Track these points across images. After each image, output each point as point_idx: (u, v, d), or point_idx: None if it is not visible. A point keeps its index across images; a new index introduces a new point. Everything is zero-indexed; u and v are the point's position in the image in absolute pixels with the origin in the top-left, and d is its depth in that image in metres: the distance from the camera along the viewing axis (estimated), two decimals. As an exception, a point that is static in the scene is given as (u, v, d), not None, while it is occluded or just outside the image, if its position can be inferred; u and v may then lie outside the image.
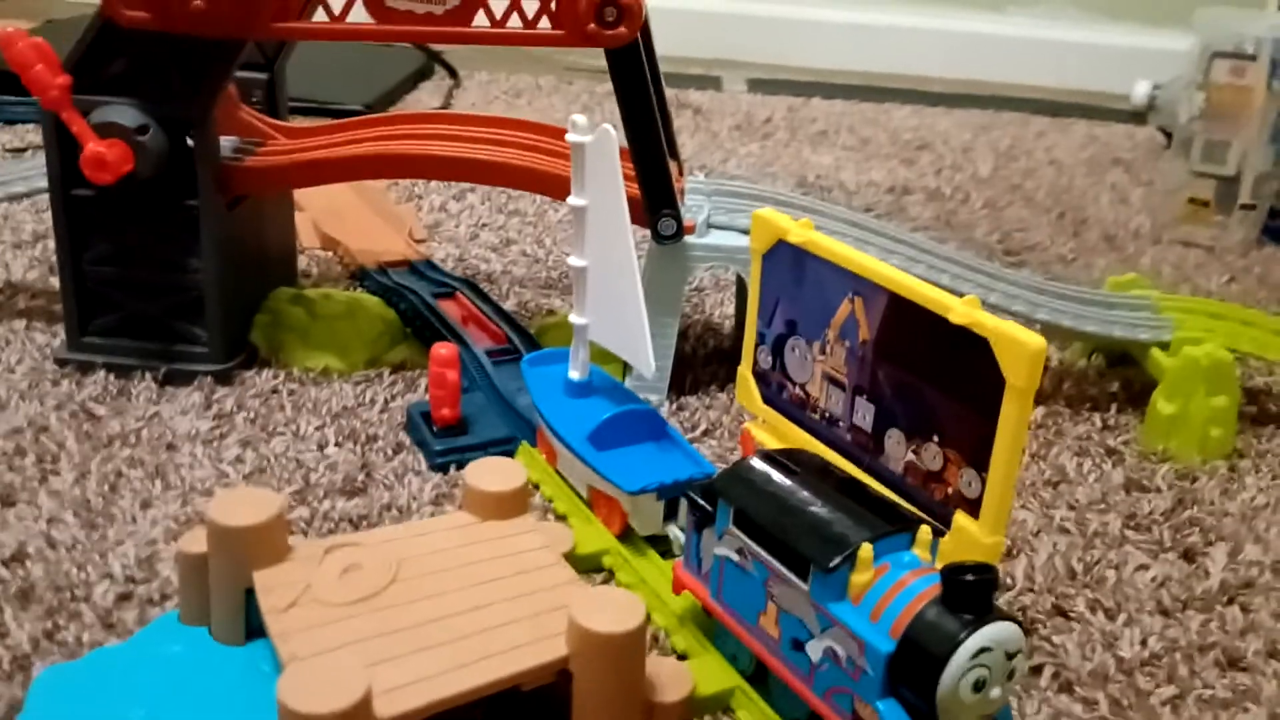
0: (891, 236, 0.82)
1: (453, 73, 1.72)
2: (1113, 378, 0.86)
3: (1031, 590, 0.61)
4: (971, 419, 0.48)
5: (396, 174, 0.79)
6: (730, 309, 0.95)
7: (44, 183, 0.76)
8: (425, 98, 1.61)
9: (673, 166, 0.75)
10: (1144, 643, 0.57)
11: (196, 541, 0.51)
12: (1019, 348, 0.46)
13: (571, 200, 0.64)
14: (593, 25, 0.66)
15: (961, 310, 0.48)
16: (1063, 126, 1.70)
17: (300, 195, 0.98)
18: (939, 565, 0.44)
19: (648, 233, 0.75)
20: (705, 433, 0.75)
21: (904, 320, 0.52)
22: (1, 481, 0.64)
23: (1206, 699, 0.54)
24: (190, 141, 0.73)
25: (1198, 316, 0.82)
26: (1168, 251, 1.19)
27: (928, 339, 0.50)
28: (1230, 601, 0.61)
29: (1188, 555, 0.65)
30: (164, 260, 0.75)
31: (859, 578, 0.44)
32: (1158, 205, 1.31)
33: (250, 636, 0.51)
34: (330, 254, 1.01)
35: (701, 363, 0.85)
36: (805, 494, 0.48)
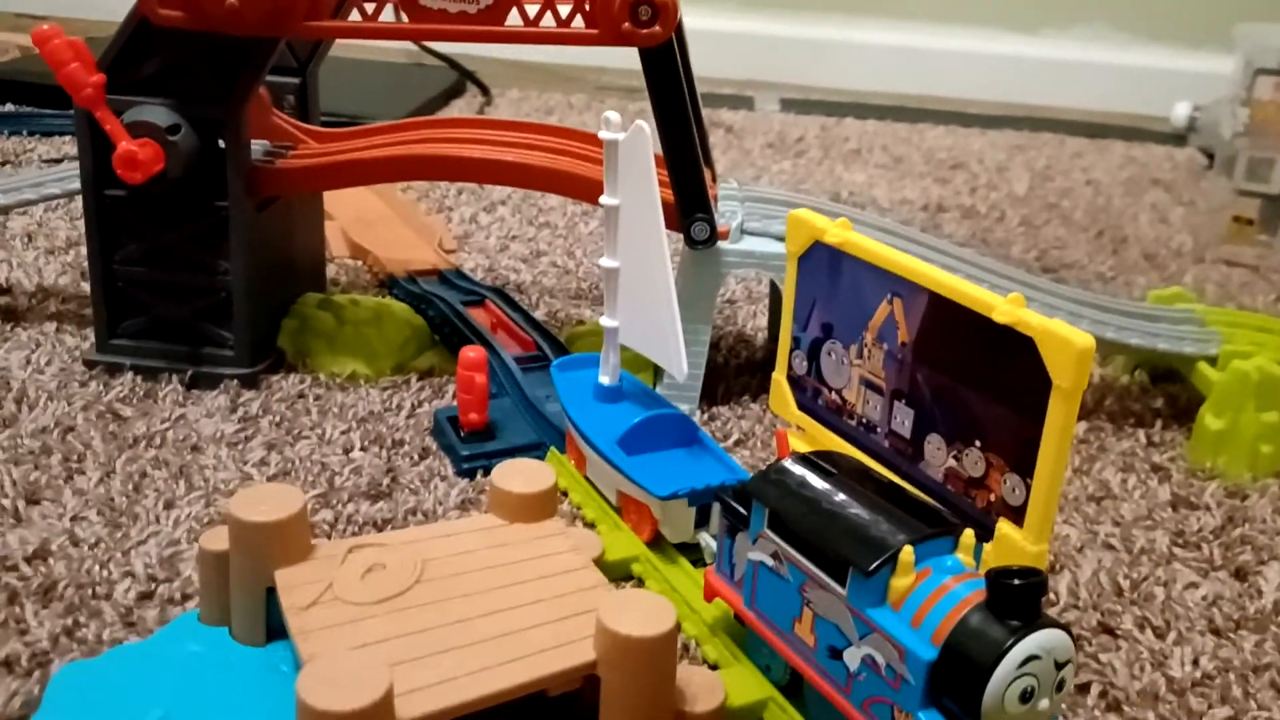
0: (929, 246, 0.80)
1: (484, 90, 1.72)
2: (1156, 394, 0.84)
3: (1076, 607, 0.59)
4: (1015, 422, 0.47)
5: (427, 176, 0.78)
6: (763, 321, 0.93)
7: (77, 184, 0.76)
8: (457, 115, 1.61)
9: (706, 173, 0.74)
10: (1195, 662, 0.55)
11: (218, 539, 0.50)
12: (1066, 347, 0.44)
13: (604, 200, 0.63)
14: (627, 24, 0.65)
15: (1005, 309, 0.47)
16: (1100, 148, 1.68)
17: (330, 205, 0.98)
18: (982, 571, 0.43)
19: (681, 239, 0.74)
20: (738, 443, 0.74)
21: (945, 321, 0.50)
22: (27, 480, 0.63)
23: (1262, 721, 0.52)
24: (221, 143, 0.73)
25: (1245, 330, 0.80)
26: (1211, 270, 1.17)
27: (970, 340, 0.48)
28: (1285, 622, 0.59)
29: (1239, 574, 0.63)
30: (193, 261, 0.75)
31: (900, 582, 0.42)
32: (1200, 224, 1.28)
33: (271, 637, 0.50)
34: (359, 262, 1.01)
35: (734, 373, 0.83)
36: (843, 496, 0.47)
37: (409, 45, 1.81)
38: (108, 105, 0.69)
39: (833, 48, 2.01)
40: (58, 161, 1.23)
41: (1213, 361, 0.77)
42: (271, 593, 0.48)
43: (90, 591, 0.54)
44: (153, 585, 0.55)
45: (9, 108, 1.40)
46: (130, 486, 0.63)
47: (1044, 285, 0.81)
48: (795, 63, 2.01)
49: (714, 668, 0.52)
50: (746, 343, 0.90)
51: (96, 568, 0.56)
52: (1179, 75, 1.86)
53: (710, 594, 0.53)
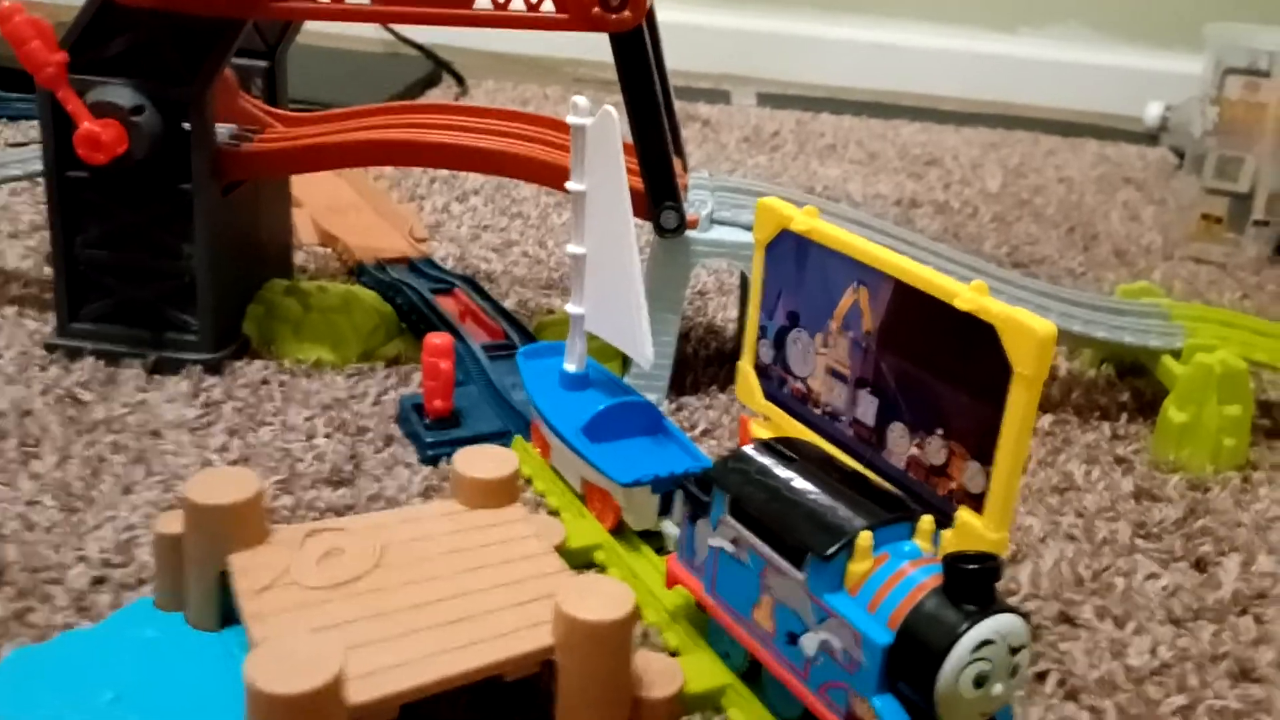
0: (899, 237, 0.80)
1: (460, 80, 1.71)
2: (1122, 387, 0.85)
3: (1037, 596, 0.59)
4: (977, 410, 0.47)
5: (395, 161, 0.77)
6: (733, 313, 0.93)
7: (39, 165, 0.74)
8: (432, 104, 1.60)
9: (676, 163, 0.73)
10: (1153, 651, 0.55)
11: (174, 523, 0.49)
12: (1027, 334, 0.44)
13: (571, 185, 0.63)
14: (597, 9, 0.65)
15: (968, 296, 0.47)
16: (1073, 146, 1.68)
17: (300, 191, 0.97)
18: (940, 557, 0.43)
19: (650, 228, 0.74)
20: (705, 433, 0.74)
21: (909, 309, 0.50)
22: (-19, 463, 0.62)
23: (1218, 710, 0.52)
24: (186, 125, 0.72)
25: (1210, 325, 0.80)
26: (1179, 267, 1.17)
27: (933, 328, 0.48)
28: (1243, 612, 0.59)
29: (1199, 565, 0.63)
30: (156, 245, 0.74)
31: (857, 567, 0.42)
32: (1170, 222, 1.29)
33: (227, 622, 0.49)
34: (328, 250, 1.00)
35: (703, 364, 0.83)
36: (803, 483, 0.46)
37: (385, 34, 1.80)
38: (70, 85, 0.68)
39: (810, 43, 2.01)
40: (23, 145, 1.22)
41: (1177, 355, 0.78)
42: (226, 577, 0.48)
43: (42, 576, 0.54)
44: (107, 570, 0.54)
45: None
46: (88, 471, 0.62)
47: (1012, 278, 0.82)
48: (772, 57, 2.01)
49: (675, 654, 0.52)
50: (716, 334, 0.90)
51: (50, 552, 0.55)
52: (1152, 75, 1.87)
53: (672, 581, 0.53)
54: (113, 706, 0.44)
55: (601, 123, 0.60)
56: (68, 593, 0.53)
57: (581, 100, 0.61)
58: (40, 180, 0.81)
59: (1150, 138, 1.70)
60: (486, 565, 0.50)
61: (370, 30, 1.80)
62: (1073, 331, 0.77)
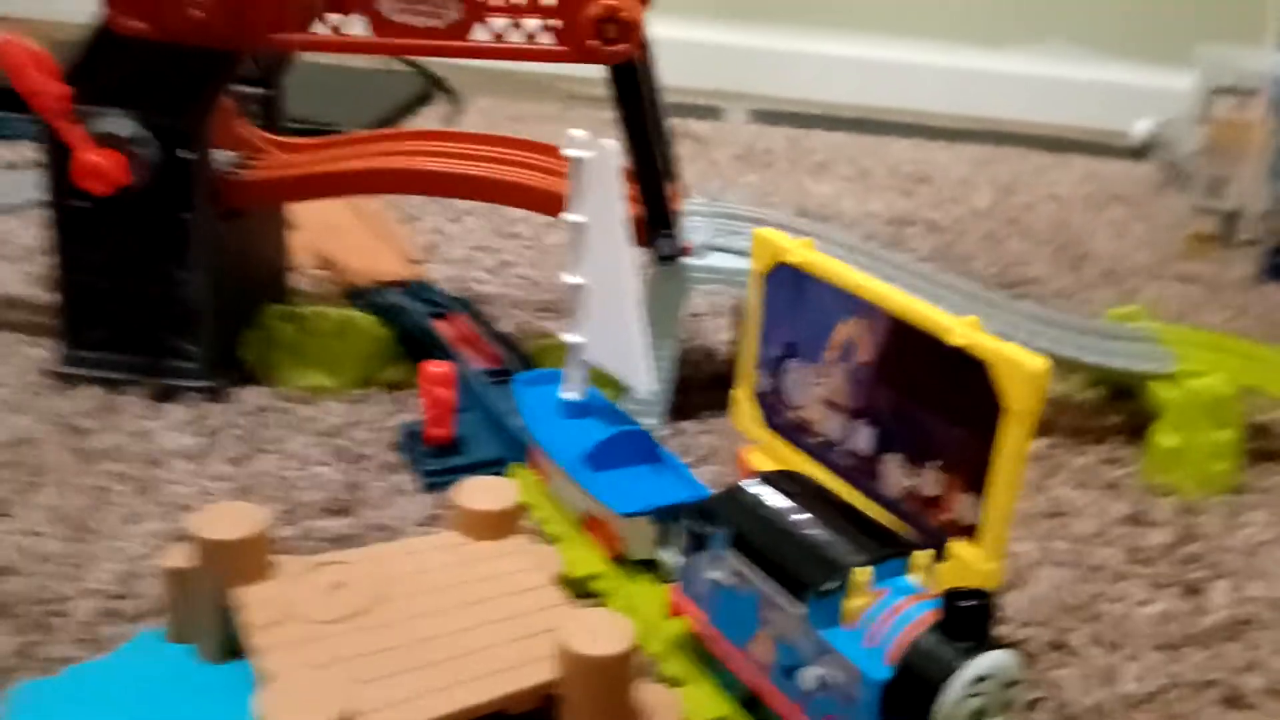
0: (892, 263, 0.81)
1: (455, 98, 1.72)
2: (1114, 411, 0.86)
3: (1029, 624, 0.60)
4: (971, 443, 0.47)
5: (392, 189, 0.78)
6: (728, 335, 0.94)
7: (37, 194, 0.75)
8: (426, 123, 1.61)
9: (672, 188, 0.74)
10: (1144, 678, 0.56)
11: (180, 557, 0.50)
12: (1018, 370, 0.45)
13: (568, 216, 0.64)
14: (594, 41, 0.66)
15: (961, 332, 0.48)
16: (1062, 162, 1.70)
17: (297, 214, 0.97)
18: (937, 591, 0.43)
19: (646, 255, 0.74)
20: (702, 459, 0.74)
21: (903, 342, 0.51)
22: (-16, 493, 0.63)
23: (1208, 736, 0.53)
24: (185, 153, 0.72)
25: (1201, 350, 0.81)
26: (1168, 287, 1.19)
27: (927, 361, 0.49)
28: (1232, 638, 0.60)
29: (1190, 590, 0.64)
30: (156, 273, 0.74)
31: (854, 602, 0.43)
32: (1158, 241, 1.31)
33: (234, 655, 0.50)
34: (325, 272, 1.00)
35: (699, 388, 0.84)
36: (802, 516, 0.47)
37: (378, 51, 1.80)
38: (71, 116, 0.69)
39: (802, 59, 2.03)
40: (18, 168, 1.22)
41: (1168, 379, 0.79)
42: (233, 610, 0.48)
43: (48, 609, 0.54)
44: (113, 602, 0.55)
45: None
46: (91, 501, 0.63)
47: (1003, 303, 0.83)
48: (764, 74, 2.02)
49: (676, 684, 0.53)
50: (711, 356, 0.90)
51: (55, 584, 0.56)
52: (1139, 91, 1.89)
53: (675, 611, 0.53)
54: (121, 741, 0.45)
55: (602, 155, 0.61)
56: (74, 625, 0.53)
57: (578, 133, 0.62)
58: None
59: (1138, 153, 1.72)
60: (489, 598, 0.51)
61: (364, 47, 1.81)
62: (1064, 356, 0.78)
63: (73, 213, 0.74)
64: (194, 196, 0.73)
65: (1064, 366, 0.83)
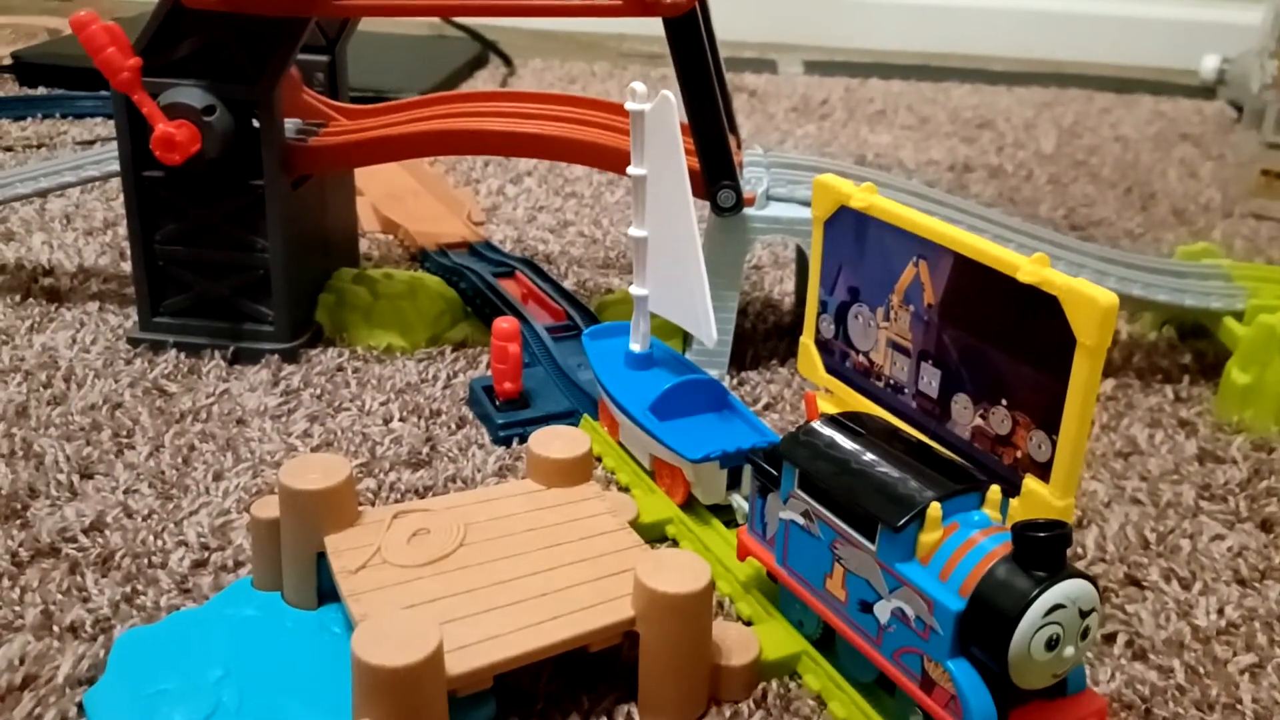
0: (955, 207, 0.81)
1: (507, 60, 1.72)
2: (1184, 350, 0.85)
3: (1103, 560, 0.60)
4: (1041, 381, 0.48)
5: (456, 150, 0.79)
6: (789, 285, 0.94)
7: (115, 166, 0.77)
8: (480, 86, 1.62)
9: (731, 140, 0.74)
10: (1220, 611, 0.56)
11: (268, 508, 0.52)
12: (1090, 304, 0.45)
13: (631, 170, 0.64)
14: (651, -5, 0.66)
15: (1030, 269, 0.48)
16: (1128, 103, 1.66)
17: (360, 180, 0.99)
18: (1009, 526, 0.44)
19: (707, 206, 0.75)
20: (767, 406, 0.75)
21: (970, 282, 0.51)
22: (80, 455, 0.65)
23: (1287, 668, 0.53)
24: (255, 122, 0.74)
25: (1272, 285, 0.80)
26: (1240, 225, 1.16)
27: (995, 300, 0.49)
28: (1311, 571, 0.60)
29: (1265, 525, 0.64)
30: (231, 240, 0.76)
31: (927, 537, 0.44)
32: (1229, 179, 1.28)
33: (322, 600, 0.52)
34: (390, 237, 1.02)
35: (762, 338, 0.84)
36: (871, 456, 0.48)
37: (431, 18, 1.81)
38: (144, 88, 0.71)
39: (856, 6, 2.00)
40: (90, 144, 1.25)
41: (1239, 316, 0.78)
42: (322, 557, 0.50)
43: (146, 560, 0.57)
44: (206, 553, 0.57)
45: (40, 91, 1.42)
46: (179, 460, 0.65)
47: (1070, 244, 0.82)
48: (818, 23, 2.00)
49: (748, 624, 0.54)
50: (774, 308, 0.91)
51: (151, 538, 0.58)
52: (1207, 27, 1.83)
53: (743, 553, 0.54)
54: (222, 682, 0.47)
55: (659, 108, 0.62)
56: (171, 576, 0.56)
57: (640, 86, 0.62)
58: (113, 178, 0.84)
59: (1207, 91, 1.67)
60: (565, 541, 0.52)
61: (417, 14, 1.82)
62: (1133, 295, 0.78)
63: (148, 184, 0.76)
64: (265, 164, 0.74)
65: (1134, 305, 0.82)
